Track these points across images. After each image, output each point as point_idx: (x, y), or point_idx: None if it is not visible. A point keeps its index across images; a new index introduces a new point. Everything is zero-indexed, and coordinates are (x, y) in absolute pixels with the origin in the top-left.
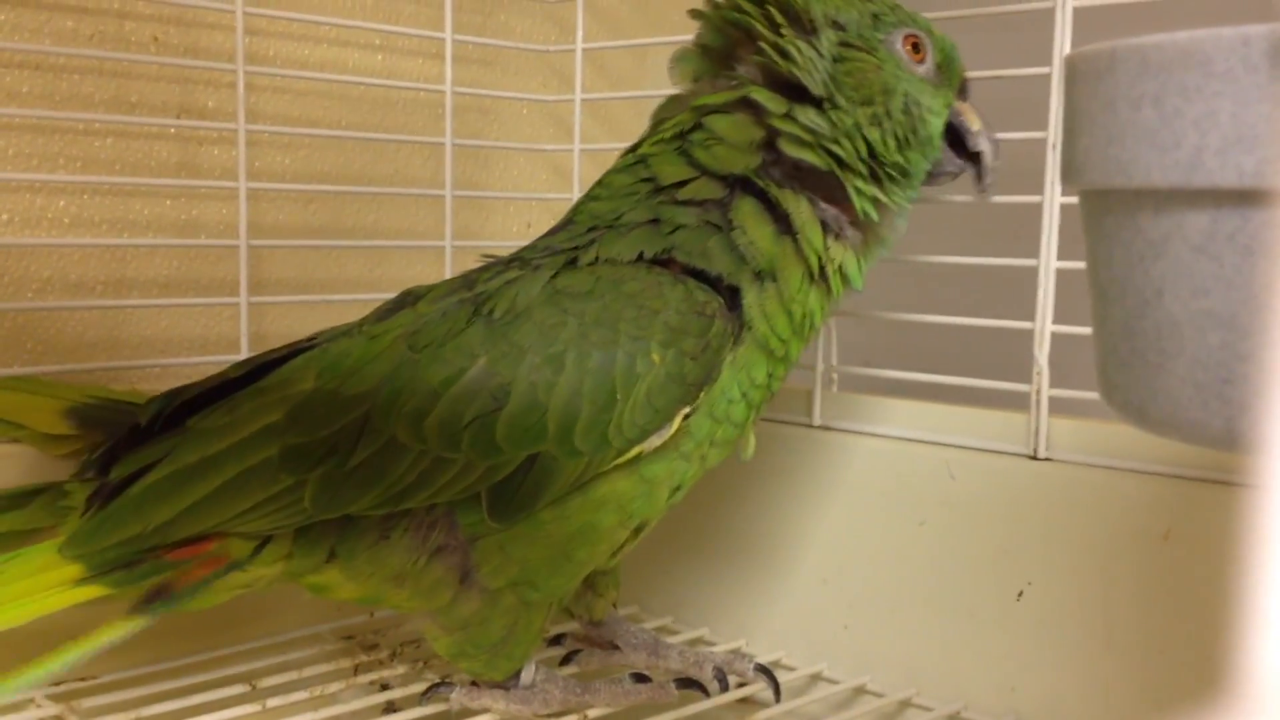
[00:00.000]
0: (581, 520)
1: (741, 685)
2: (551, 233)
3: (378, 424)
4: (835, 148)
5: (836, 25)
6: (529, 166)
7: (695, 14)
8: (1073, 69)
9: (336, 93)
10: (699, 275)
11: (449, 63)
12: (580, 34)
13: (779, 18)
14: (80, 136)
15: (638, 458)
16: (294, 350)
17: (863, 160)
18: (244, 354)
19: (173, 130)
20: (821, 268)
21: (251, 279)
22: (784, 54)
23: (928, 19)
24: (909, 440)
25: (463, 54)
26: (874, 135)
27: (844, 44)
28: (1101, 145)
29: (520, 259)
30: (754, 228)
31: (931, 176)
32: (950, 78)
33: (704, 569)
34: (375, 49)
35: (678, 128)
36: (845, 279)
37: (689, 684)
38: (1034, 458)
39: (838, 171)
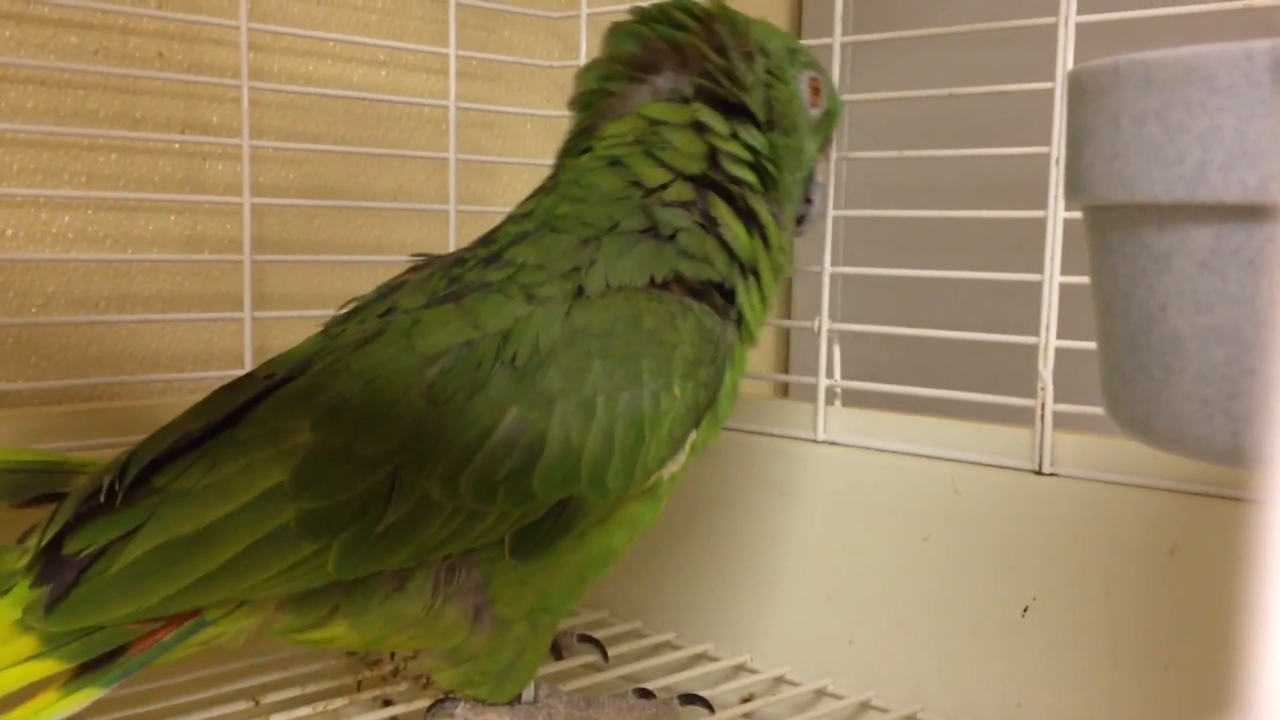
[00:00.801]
0: (598, 546)
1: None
2: (514, 218)
3: (408, 483)
4: (770, 166)
5: (764, 53)
6: (533, 181)
7: (619, 27)
8: (1076, 84)
9: (341, 108)
10: (704, 286)
11: (453, 78)
12: (584, 50)
13: (727, 40)
14: (85, 152)
15: (652, 487)
16: (257, 389)
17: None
18: (248, 369)
19: (177, 145)
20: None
21: (255, 294)
22: (730, 76)
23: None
24: (913, 455)
25: (467, 69)
26: (787, 160)
27: (769, 71)
28: (1105, 160)
29: (493, 252)
30: (734, 224)
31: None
32: (827, 128)
33: (707, 584)
34: (379, 64)
35: (634, 133)
36: (789, 264)
37: (693, 700)
38: (1039, 473)
39: (761, 189)
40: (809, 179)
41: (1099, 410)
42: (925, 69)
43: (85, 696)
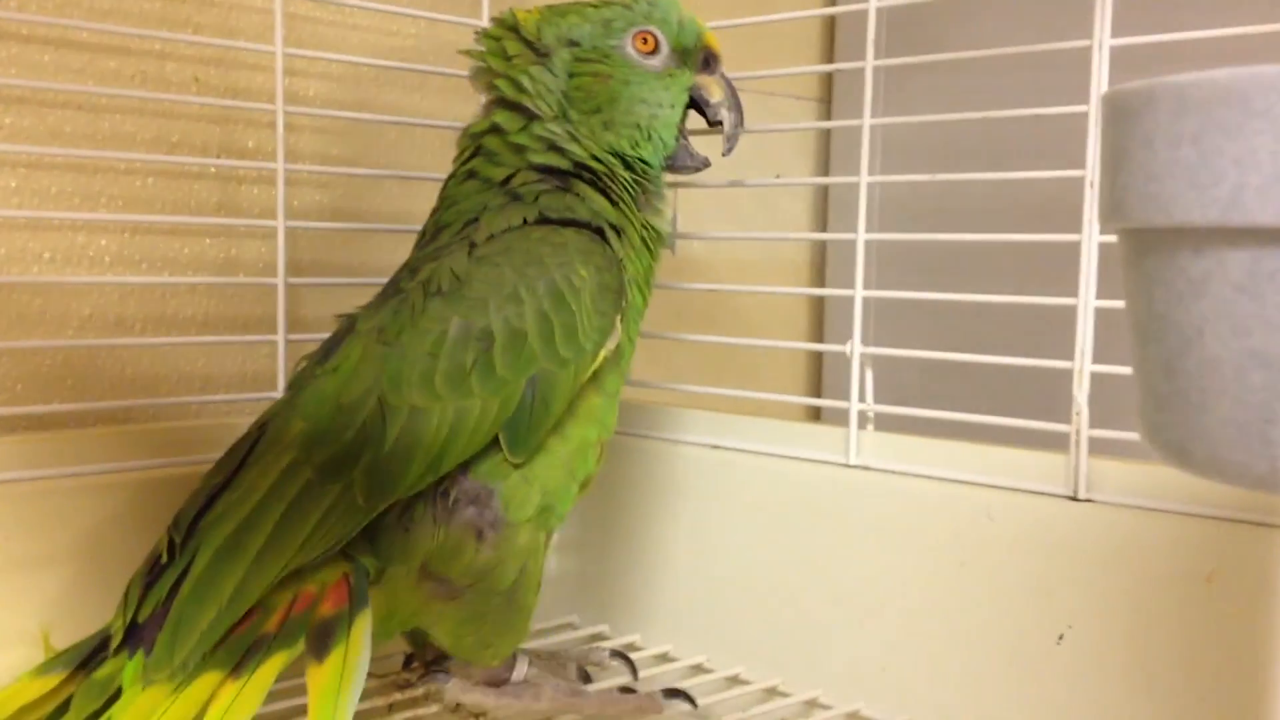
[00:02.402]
0: (577, 437)
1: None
2: (420, 245)
3: (394, 403)
4: (574, 147)
5: (571, 43)
6: None
7: (464, 52)
8: (1111, 107)
9: (374, 132)
10: (569, 224)
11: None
12: None
13: (513, 49)
14: (122, 175)
15: (599, 378)
16: (256, 430)
17: (611, 154)
18: (282, 391)
19: (213, 170)
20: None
21: (290, 316)
22: (517, 84)
23: (678, 4)
24: (947, 481)
25: None
26: (609, 139)
27: (579, 59)
28: (1140, 183)
29: (412, 266)
30: (595, 197)
31: (672, 167)
32: (688, 59)
33: (739, 608)
34: (413, 89)
35: (471, 148)
36: (658, 231)
37: (675, 694)
38: (1074, 499)
39: (581, 170)
40: (700, 106)
41: (1135, 436)
42: (958, 92)
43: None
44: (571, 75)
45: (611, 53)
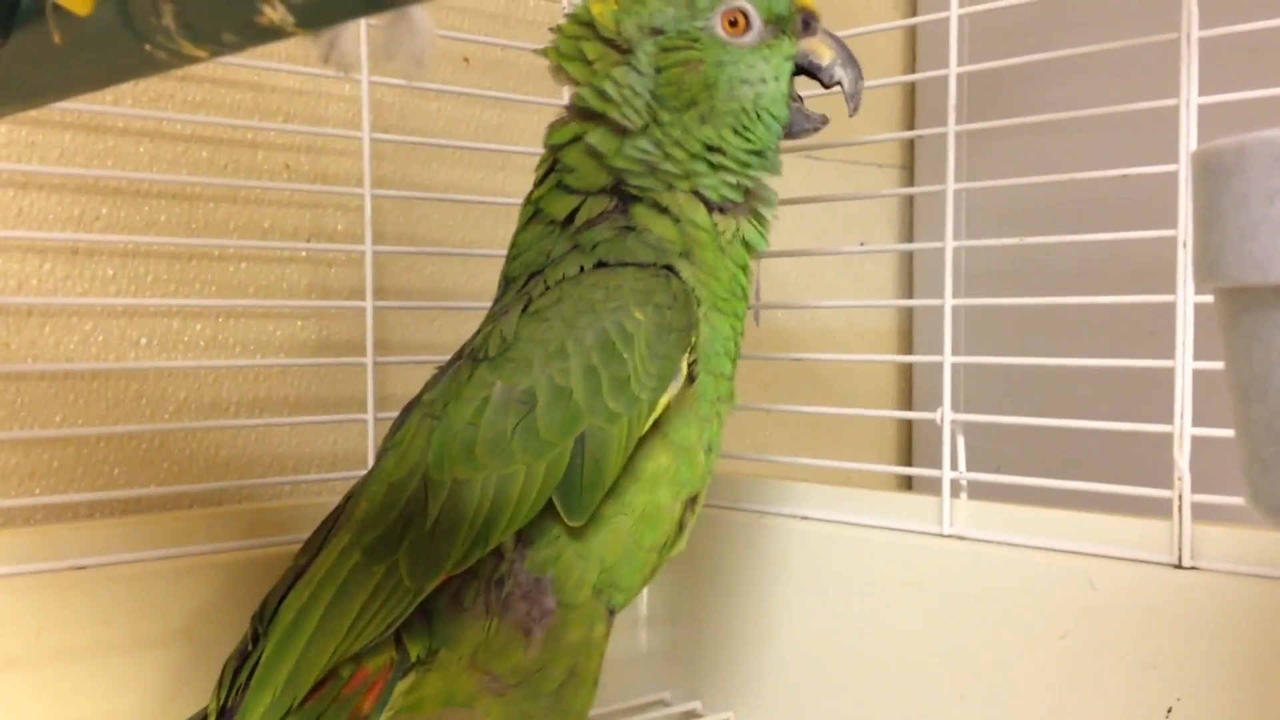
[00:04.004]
0: (642, 503)
1: None
2: (496, 299)
3: (436, 478)
4: (667, 165)
5: (655, 31)
6: None
7: (540, 52)
8: (1201, 165)
9: (459, 211)
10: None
11: None
12: None
13: (592, 51)
14: (215, 261)
15: (667, 431)
16: (338, 509)
17: (707, 155)
18: None
19: (304, 254)
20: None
21: (378, 395)
22: (600, 93)
23: None
24: (1045, 549)
25: None
26: (708, 133)
27: (664, 49)
28: (1235, 242)
29: (478, 329)
30: (656, 225)
31: (791, 135)
32: (785, 25)
33: (833, 682)
34: (496, 168)
35: (545, 167)
36: (747, 241)
37: None
38: (1179, 566)
39: (676, 184)
40: (811, 70)
41: (1240, 500)
42: (1040, 154)
43: None
44: (659, 70)
45: (700, 35)
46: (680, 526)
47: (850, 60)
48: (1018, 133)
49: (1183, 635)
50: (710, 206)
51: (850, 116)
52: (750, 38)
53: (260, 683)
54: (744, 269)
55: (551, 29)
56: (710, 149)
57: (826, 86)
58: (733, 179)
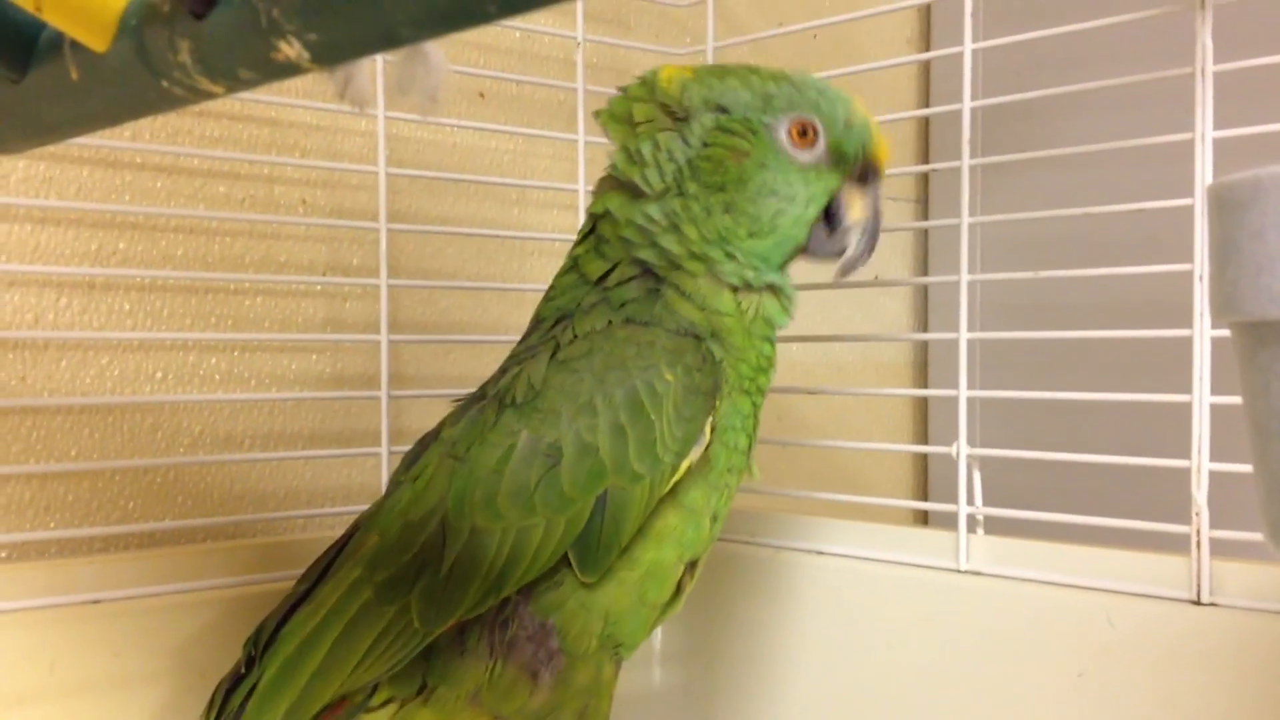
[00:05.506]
0: (648, 560)
1: None
2: (525, 336)
3: (455, 524)
4: (667, 239)
5: (719, 109)
6: None
7: (596, 114)
8: (1217, 199)
9: (474, 245)
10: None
11: (581, 213)
12: None
13: (642, 113)
14: (231, 296)
15: (678, 491)
16: (342, 539)
17: (721, 244)
18: None
19: (319, 287)
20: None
21: (392, 428)
22: (633, 155)
23: (849, 97)
24: (1062, 585)
25: None
26: (727, 223)
27: (721, 128)
28: (1251, 276)
29: (504, 366)
30: (683, 308)
31: (808, 256)
32: (843, 162)
33: (846, 718)
34: (511, 202)
35: (586, 229)
36: (769, 320)
37: None
38: (1197, 603)
39: (684, 264)
40: (830, 217)
41: (1258, 535)
42: (1055, 188)
43: None
44: (706, 144)
45: (760, 130)
46: (679, 589)
47: (872, 232)
48: (1032, 167)
49: (1201, 672)
50: (734, 288)
51: (832, 279)
52: (807, 157)
53: (258, 711)
54: (769, 341)
55: (619, 88)
56: (723, 238)
57: (829, 241)
58: (750, 272)
